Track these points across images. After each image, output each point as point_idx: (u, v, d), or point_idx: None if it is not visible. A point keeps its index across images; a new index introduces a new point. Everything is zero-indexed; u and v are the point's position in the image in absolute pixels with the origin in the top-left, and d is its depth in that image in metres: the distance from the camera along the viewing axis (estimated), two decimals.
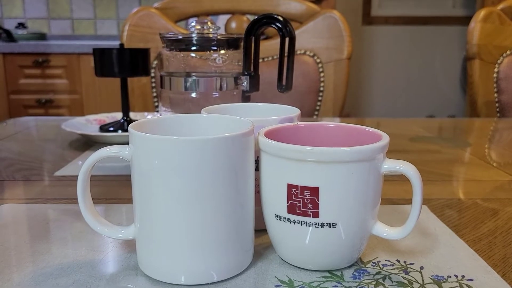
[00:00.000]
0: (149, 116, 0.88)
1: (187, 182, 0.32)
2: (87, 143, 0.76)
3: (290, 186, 0.33)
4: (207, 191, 0.32)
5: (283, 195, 0.33)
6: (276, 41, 1.12)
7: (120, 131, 0.76)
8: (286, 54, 0.61)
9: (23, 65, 2.43)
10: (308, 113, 1.13)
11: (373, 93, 3.20)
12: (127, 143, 0.34)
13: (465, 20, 3.05)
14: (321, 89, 1.13)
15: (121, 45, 0.77)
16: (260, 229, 0.39)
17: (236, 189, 0.33)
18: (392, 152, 0.72)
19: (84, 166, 0.35)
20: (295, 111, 0.44)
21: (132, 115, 0.85)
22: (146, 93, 1.09)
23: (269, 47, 1.12)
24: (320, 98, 1.13)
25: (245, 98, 0.63)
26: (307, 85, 1.13)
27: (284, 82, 0.62)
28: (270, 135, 0.37)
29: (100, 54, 0.74)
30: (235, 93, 0.63)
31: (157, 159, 0.32)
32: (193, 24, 0.62)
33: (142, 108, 1.07)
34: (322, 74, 1.13)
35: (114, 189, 0.55)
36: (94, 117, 0.85)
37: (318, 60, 1.13)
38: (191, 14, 1.13)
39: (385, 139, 0.35)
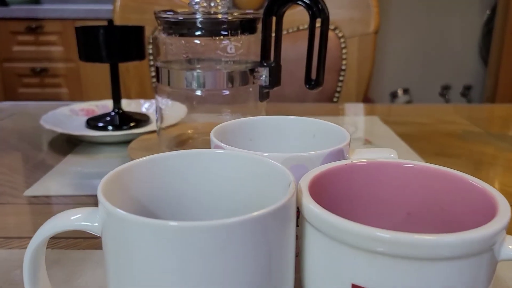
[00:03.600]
0: (146, 104, 0.75)
1: (191, 283, 0.19)
2: (71, 141, 0.63)
3: None
4: None
5: None
6: (296, 10, 0.97)
7: (110, 128, 0.63)
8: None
9: (16, 31, 2.28)
10: (327, 96, 0.99)
11: (386, 61, 3.03)
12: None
13: None
14: (343, 67, 0.99)
15: (110, 22, 0.64)
16: None
17: (269, 281, 0.21)
18: (441, 156, 0.60)
19: (31, 245, 0.23)
20: (344, 137, 0.31)
21: (125, 104, 0.72)
22: (143, 73, 0.96)
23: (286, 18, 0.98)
24: (341, 79, 0.99)
25: (264, 95, 0.50)
26: (327, 64, 0.99)
27: (313, 76, 0.49)
28: (315, 186, 0.25)
29: (84, 35, 0.61)
30: (250, 89, 0.50)
31: (142, 251, 0.19)
32: (197, 0, 0.48)
33: (139, 92, 0.94)
34: (344, 51, 0.98)
35: None
36: (80, 106, 0.72)
37: (340, 35, 0.98)
38: None
39: (504, 208, 0.22)
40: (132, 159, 0.52)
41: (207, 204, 0.27)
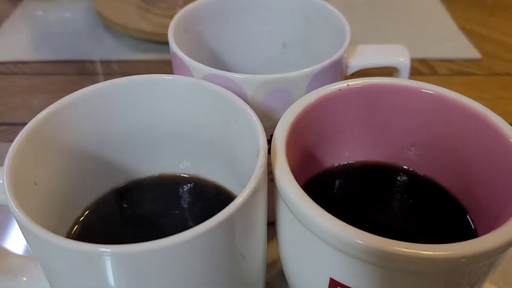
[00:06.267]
0: None
1: None
2: None
3: (333, 283, 0.17)
4: None
5: None
6: None
7: None
8: None
9: None
10: None
11: None
12: None
13: None
14: None
15: None
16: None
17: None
18: (475, 7, 0.48)
19: None
20: (342, 29, 0.24)
21: None
22: None
23: None
24: None
25: None
26: None
27: None
28: (299, 124, 0.19)
29: None
30: None
31: (64, 274, 0.15)
32: None
33: None
34: None
35: None
36: None
37: None
38: None
39: None
40: (99, 12, 0.44)
41: (163, 144, 0.22)
